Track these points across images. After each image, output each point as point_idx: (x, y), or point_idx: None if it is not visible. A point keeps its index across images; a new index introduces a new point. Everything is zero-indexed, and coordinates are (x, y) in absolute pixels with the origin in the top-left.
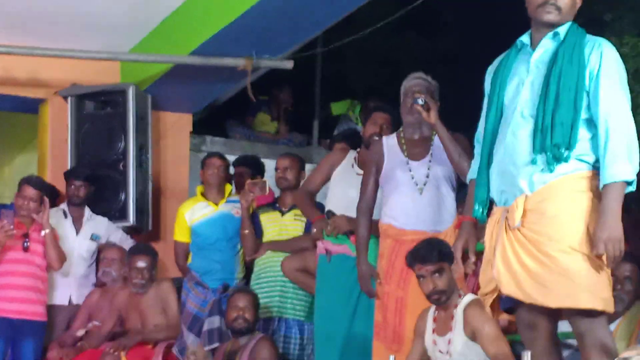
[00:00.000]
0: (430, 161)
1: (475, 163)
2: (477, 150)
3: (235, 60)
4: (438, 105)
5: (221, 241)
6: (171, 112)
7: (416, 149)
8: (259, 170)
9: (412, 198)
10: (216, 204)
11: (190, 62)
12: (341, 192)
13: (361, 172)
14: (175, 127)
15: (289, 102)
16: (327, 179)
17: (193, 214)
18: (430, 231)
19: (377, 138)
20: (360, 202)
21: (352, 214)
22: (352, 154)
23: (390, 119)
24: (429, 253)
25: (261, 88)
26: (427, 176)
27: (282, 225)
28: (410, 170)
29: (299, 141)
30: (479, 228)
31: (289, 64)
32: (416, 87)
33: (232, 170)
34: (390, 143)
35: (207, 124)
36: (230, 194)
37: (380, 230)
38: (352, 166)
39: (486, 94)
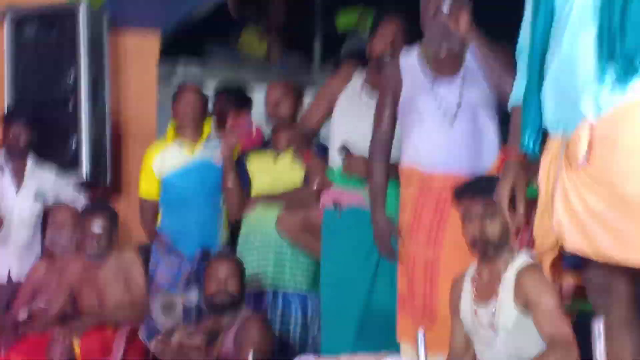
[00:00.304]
0: (462, 83)
1: (521, 83)
2: (522, 66)
3: None
4: (470, 7)
5: (199, 196)
6: (133, 33)
7: (444, 69)
8: (244, 102)
9: (441, 131)
10: (193, 144)
11: None
12: (348, 127)
13: (372, 100)
14: (139, 53)
15: (282, 15)
16: (330, 110)
17: (163, 162)
18: (466, 174)
19: (387, 57)
20: (374, 140)
21: (364, 153)
22: (358, 76)
23: (402, 30)
24: (484, 185)
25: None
26: (459, 102)
27: (275, 172)
28: (436, 96)
29: (297, 64)
30: (529, 167)
31: None
32: None
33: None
34: (409, 62)
35: (180, 46)
36: (209, 133)
37: (401, 176)
38: (360, 93)
39: None
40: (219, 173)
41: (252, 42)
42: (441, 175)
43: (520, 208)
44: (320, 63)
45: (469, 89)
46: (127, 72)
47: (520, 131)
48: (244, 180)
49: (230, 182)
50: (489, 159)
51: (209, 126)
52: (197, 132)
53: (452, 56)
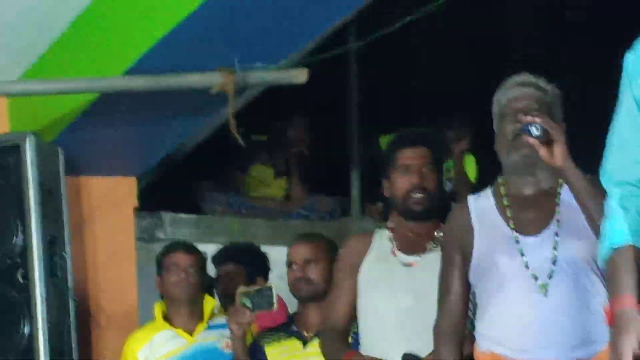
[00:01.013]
0: (557, 234)
1: (624, 217)
2: (626, 192)
3: (205, 76)
4: (564, 129)
5: None
6: (100, 176)
7: (531, 214)
8: (259, 267)
9: (531, 301)
10: (190, 333)
11: (129, 86)
12: (380, 303)
13: (409, 259)
14: (109, 202)
15: (304, 142)
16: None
17: (152, 353)
18: None
19: (419, 194)
20: (440, 320)
21: (405, 341)
22: (381, 232)
23: (435, 159)
24: None
25: (255, 122)
26: (554, 262)
27: None
28: (522, 255)
29: (328, 210)
30: None
31: (300, 76)
32: (522, 100)
33: (212, 270)
34: (481, 206)
35: (163, 192)
36: (212, 313)
37: None
38: (392, 251)
39: (633, 97)
40: None
41: (265, 181)
42: None
43: None
44: (361, 207)
45: (567, 239)
46: (95, 229)
47: (626, 276)
48: None
49: None
50: (600, 337)
51: (211, 303)
52: (195, 309)
53: (542, 195)
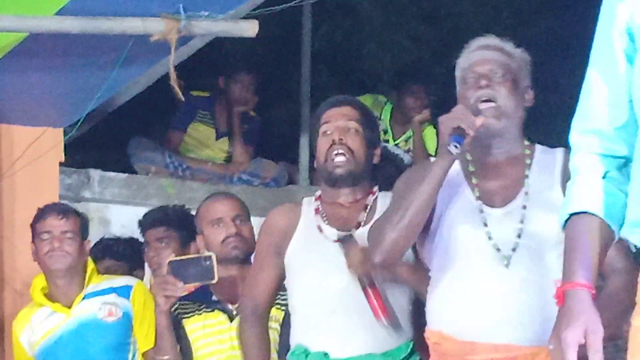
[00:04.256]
0: (524, 207)
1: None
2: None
3: (146, 22)
4: (531, 100)
5: None
6: (23, 125)
7: (497, 184)
8: (193, 233)
9: (491, 277)
10: (69, 307)
11: (60, 28)
12: (311, 288)
13: (341, 236)
14: (32, 154)
15: (250, 102)
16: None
17: (32, 333)
18: (530, 345)
19: (340, 156)
20: None
21: (341, 326)
22: (310, 202)
23: (365, 116)
24: None
25: (198, 77)
26: (519, 235)
27: (231, 339)
28: (485, 225)
29: (273, 176)
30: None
31: (249, 28)
32: (484, 65)
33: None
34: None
35: (93, 147)
36: (93, 278)
37: (430, 344)
38: (319, 227)
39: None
40: (112, 335)
41: (205, 140)
42: (488, 347)
43: None
44: (309, 175)
45: (535, 212)
46: (14, 184)
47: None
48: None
49: (168, 354)
50: None
51: (90, 267)
52: (76, 281)
53: (511, 163)
